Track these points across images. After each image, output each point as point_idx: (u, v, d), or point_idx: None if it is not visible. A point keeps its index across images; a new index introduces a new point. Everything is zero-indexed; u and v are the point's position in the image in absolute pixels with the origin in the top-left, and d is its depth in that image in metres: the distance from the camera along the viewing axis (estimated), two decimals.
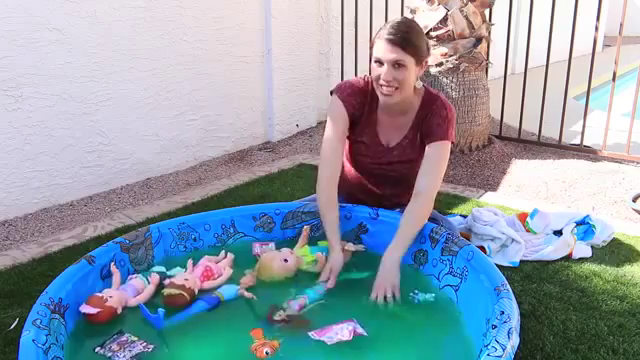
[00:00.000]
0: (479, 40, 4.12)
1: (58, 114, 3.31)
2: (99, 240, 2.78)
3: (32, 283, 2.38)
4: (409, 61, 2.08)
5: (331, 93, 2.33)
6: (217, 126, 4.30)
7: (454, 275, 2.00)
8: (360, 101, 2.27)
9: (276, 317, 1.85)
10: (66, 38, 3.28)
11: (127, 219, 3.15)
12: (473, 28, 4.10)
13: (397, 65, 2.08)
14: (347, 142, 2.39)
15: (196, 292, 1.97)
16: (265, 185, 3.65)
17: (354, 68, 4.92)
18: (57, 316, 1.76)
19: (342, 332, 1.75)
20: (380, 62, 2.11)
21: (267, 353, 1.66)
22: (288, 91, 4.79)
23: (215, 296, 1.96)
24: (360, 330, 1.78)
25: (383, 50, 2.08)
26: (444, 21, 4.07)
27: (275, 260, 2.12)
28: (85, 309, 1.84)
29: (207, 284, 2.03)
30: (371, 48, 2.17)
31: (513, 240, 2.60)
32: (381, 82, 2.12)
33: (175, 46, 3.87)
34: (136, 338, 1.79)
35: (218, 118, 4.30)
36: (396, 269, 2.01)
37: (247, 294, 1.98)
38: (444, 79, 4.12)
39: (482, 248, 2.55)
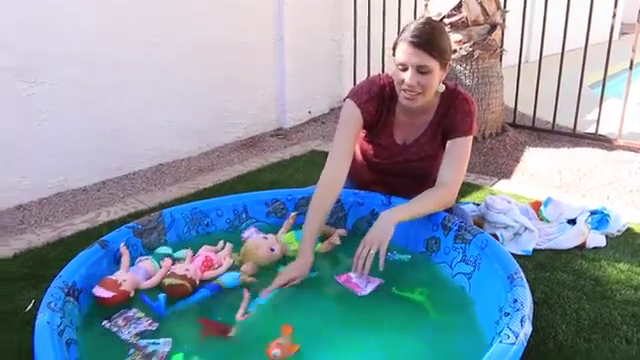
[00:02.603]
0: (493, 27, 4.08)
1: (71, 100, 3.32)
2: (112, 225, 2.79)
3: (46, 266, 2.40)
4: (434, 65, 2.00)
5: (345, 98, 2.25)
6: (229, 112, 4.30)
7: (467, 263, 1.99)
8: (378, 106, 2.20)
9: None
10: (80, 24, 3.29)
11: (140, 204, 3.16)
12: (487, 15, 4.06)
13: (422, 70, 2.00)
14: (361, 135, 2.35)
15: (197, 282, 1.96)
16: (277, 171, 3.65)
17: (366, 55, 4.89)
18: (71, 299, 1.77)
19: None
20: (404, 66, 2.02)
21: (275, 355, 1.60)
22: (300, 78, 4.78)
23: (216, 284, 1.96)
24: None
25: (407, 54, 1.99)
26: (458, 8, 4.02)
27: (261, 248, 2.10)
28: (99, 292, 1.84)
29: (208, 274, 2.02)
30: (393, 49, 2.08)
31: (526, 228, 2.59)
32: (404, 87, 2.04)
33: (187, 32, 3.87)
34: (142, 315, 1.81)
35: (230, 104, 4.29)
36: (390, 228, 1.94)
37: (248, 280, 1.98)
38: (458, 66, 4.08)
39: (495, 236, 2.53)
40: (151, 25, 3.64)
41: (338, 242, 2.20)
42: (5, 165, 3.12)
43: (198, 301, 1.89)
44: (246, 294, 1.91)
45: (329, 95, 5.16)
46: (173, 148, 3.95)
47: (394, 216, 1.98)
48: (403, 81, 2.04)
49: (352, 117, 2.19)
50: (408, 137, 2.25)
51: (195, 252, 2.12)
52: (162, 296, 1.84)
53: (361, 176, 2.41)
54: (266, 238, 2.15)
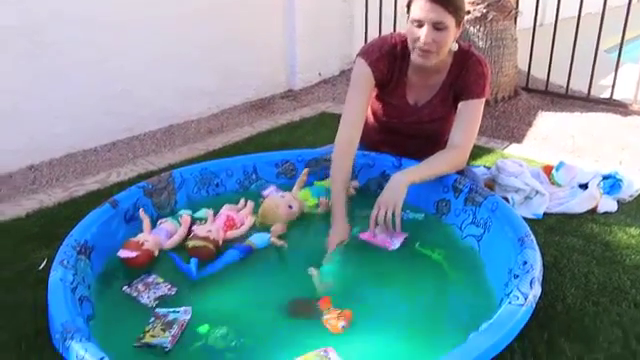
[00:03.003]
0: None
1: (80, 61, 3.30)
2: (122, 185, 2.80)
3: (58, 226, 2.42)
4: (450, 22, 1.98)
5: (356, 57, 2.23)
6: (239, 74, 4.26)
7: (477, 225, 1.99)
8: (389, 65, 2.17)
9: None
10: None
11: (150, 165, 3.17)
12: None
13: (438, 26, 1.98)
14: (373, 98, 2.34)
15: (220, 243, 1.96)
16: (287, 133, 3.64)
17: (378, 17, 4.81)
18: (83, 257, 1.80)
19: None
20: (419, 23, 1.99)
21: (343, 327, 1.58)
22: (310, 39, 4.70)
23: (247, 245, 1.95)
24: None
25: (423, 10, 1.96)
26: None
27: (280, 207, 2.11)
28: (124, 253, 1.86)
29: (230, 234, 2.02)
30: (408, 6, 2.05)
31: (537, 192, 2.57)
32: (419, 44, 2.01)
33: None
34: (162, 280, 1.83)
35: (240, 66, 4.25)
36: (402, 190, 1.95)
37: (279, 242, 1.97)
38: (471, 28, 4.01)
39: (506, 199, 2.52)
40: None
41: (352, 192, 2.22)
42: (15, 126, 3.12)
43: (229, 263, 1.88)
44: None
45: (340, 56, 5.10)
46: (182, 109, 3.93)
47: (406, 178, 1.98)
48: (418, 38, 2.01)
49: (363, 76, 2.17)
50: (420, 98, 2.23)
51: (216, 212, 2.12)
52: (194, 260, 1.83)
53: (371, 137, 2.40)
54: (283, 196, 2.16)
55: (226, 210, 2.13)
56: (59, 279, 1.62)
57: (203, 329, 1.62)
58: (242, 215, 2.13)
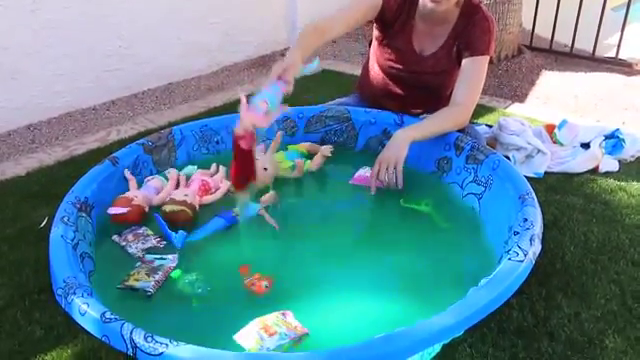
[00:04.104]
0: None
1: (77, 16, 3.25)
2: (122, 143, 2.79)
3: (58, 184, 2.42)
4: None
5: None
6: (239, 30, 4.20)
7: (478, 184, 1.99)
8: (399, 4, 2.17)
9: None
10: None
11: (149, 123, 3.16)
12: None
13: None
14: (375, 44, 2.32)
15: (197, 208, 1.93)
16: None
17: None
18: (84, 214, 1.80)
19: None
20: None
21: (266, 286, 1.60)
22: None
23: (234, 215, 1.90)
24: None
25: None
26: None
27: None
28: (114, 210, 1.86)
29: (206, 199, 2.00)
30: None
31: (539, 151, 2.56)
32: None
33: None
34: (152, 233, 1.83)
35: (239, 22, 4.19)
36: (404, 146, 1.95)
37: (268, 218, 1.90)
38: None
39: (507, 158, 2.51)
40: None
41: (329, 154, 2.20)
42: (13, 83, 3.10)
43: (214, 231, 1.86)
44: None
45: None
46: (182, 67, 3.89)
47: (408, 135, 1.98)
48: None
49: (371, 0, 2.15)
50: (425, 47, 2.22)
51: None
52: (182, 233, 1.81)
53: (373, 89, 2.39)
54: (257, 159, 2.12)
55: (200, 175, 2.10)
56: (60, 236, 1.62)
57: (175, 274, 1.65)
58: (216, 180, 2.09)
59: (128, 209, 1.86)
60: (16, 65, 3.08)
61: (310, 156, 2.23)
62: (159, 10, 3.64)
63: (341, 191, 2.11)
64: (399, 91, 2.33)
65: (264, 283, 1.60)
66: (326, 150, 2.20)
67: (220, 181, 2.10)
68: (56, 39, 3.19)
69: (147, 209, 1.93)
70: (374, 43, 2.35)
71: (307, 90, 3.59)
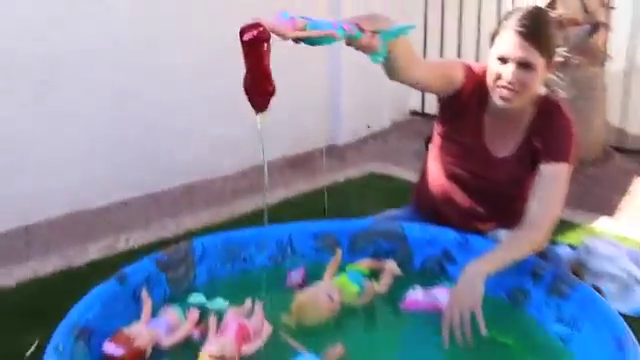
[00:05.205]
0: (595, 27, 4.00)
1: (87, 102, 3.40)
2: (131, 255, 2.83)
3: (52, 301, 2.41)
4: (539, 62, 2.02)
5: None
6: (272, 123, 4.27)
7: (563, 323, 1.93)
8: (473, 89, 2.20)
9: None
10: (108, 13, 3.40)
11: (165, 231, 3.21)
12: (588, 12, 3.99)
13: (525, 65, 2.02)
14: (437, 140, 2.34)
15: None
16: (329, 198, 3.63)
17: (456, 47, 4.82)
18: (81, 342, 1.79)
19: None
20: (504, 59, 2.04)
21: None
22: (358, 81, 4.71)
23: None
24: None
25: (511, 45, 2.01)
26: (552, 3, 3.97)
27: (321, 299, 2.01)
28: (109, 348, 1.81)
29: (247, 348, 1.85)
30: (492, 39, 2.11)
31: (638, 281, 2.50)
32: (501, 83, 2.06)
33: (223, 24, 3.90)
34: None
35: (274, 114, 4.27)
36: (480, 286, 1.90)
37: None
38: (551, 75, 4.01)
39: (598, 290, 2.45)
40: (184, 18, 3.71)
41: (398, 272, 2.19)
42: (9, 175, 3.19)
43: None
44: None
45: (394, 105, 5.12)
46: (205, 164, 3.99)
47: (481, 269, 1.95)
48: (500, 76, 2.05)
49: (453, 63, 2.21)
50: (497, 149, 2.23)
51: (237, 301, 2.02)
52: None
53: (432, 197, 2.39)
54: (318, 286, 2.09)
55: (233, 315, 1.96)
56: None
57: None
58: (256, 321, 1.96)
59: (123, 352, 1.80)
60: (13, 153, 3.20)
61: (373, 275, 2.20)
62: (181, 98, 3.79)
63: (396, 321, 2.07)
64: (464, 200, 2.33)
65: None
66: (394, 267, 2.18)
67: (260, 322, 1.95)
68: (62, 126, 3.33)
69: (150, 350, 1.87)
70: (435, 139, 2.37)
71: (352, 198, 3.63)
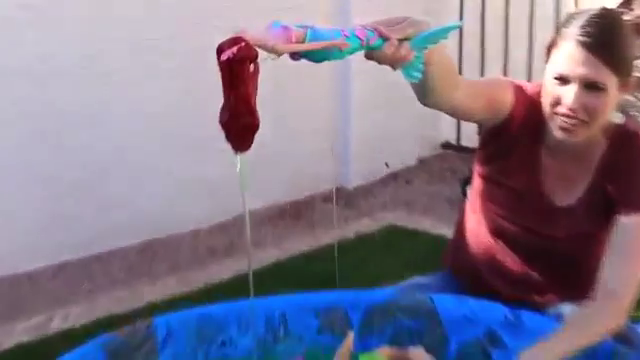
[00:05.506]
0: None
1: (21, 132, 3.45)
2: (71, 336, 2.83)
3: None
4: (611, 82, 1.99)
5: None
6: (262, 161, 4.31)
7: None
8: (528, 117, 2.19)
9: None
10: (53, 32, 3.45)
11: (116, 305, 3.20)
12: None
13: (592, 86, 1.99)
14: (479, 185, 2.33)
15: None
16: (334, 260, 3.63)
17: (502, 59, 4.88)
18: None
19: None
20: (564, 79, 2.01)
21: None
22: (373, 109, 4.80)
23: None
24: None
25: (572, 59, 1.99)
26: (627, 3, 4.02)
27: None
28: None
29: None
30: (548, 50, 2.09)
31: None
32: (561, 109, 2.02)
33: (202, 37, 3.97)
34: None
35: (263, 149, 4.31)
36: None
37: None
38: (628, 96, 4.05)
39: None
40: (147, 32, 3.79)
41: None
42: None
43: None
44: None
45: (420, 136, 5.16)
46: (172, 215, 4.00)
47: (540, 357, 1.95)
48: (560, 101, 2.02)
49: (500, 81, 2.24)
50: (558, 195, 2.22)
51: None
52: None
53: (472, 260, 2.38)
54: None
55: None
56: None
57: None
58: None
59: None
60: None
61: None
62: (143, 128, 3.84)
63: None
64: (515, 264, 2.32)
65: None
66: (423, 356, 2.18)
67: None
68: None
69: None
70: (476, 182, 2.35)
71: (365, 259, 3.63)
